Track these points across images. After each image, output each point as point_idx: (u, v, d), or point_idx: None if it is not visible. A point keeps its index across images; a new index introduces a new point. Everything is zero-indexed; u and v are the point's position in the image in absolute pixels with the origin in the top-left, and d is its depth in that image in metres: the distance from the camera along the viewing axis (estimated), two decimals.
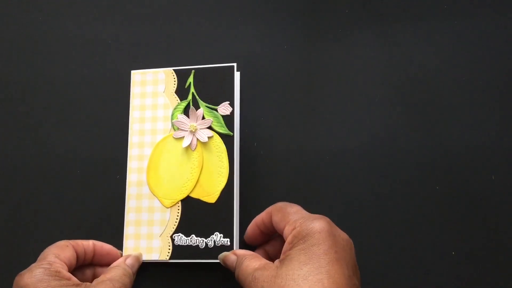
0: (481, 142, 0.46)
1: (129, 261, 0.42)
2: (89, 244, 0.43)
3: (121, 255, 0.44)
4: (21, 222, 0.48)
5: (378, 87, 0.49)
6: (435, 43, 0.49)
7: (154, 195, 0.46)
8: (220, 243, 0.43)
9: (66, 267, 0.39)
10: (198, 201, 0.45)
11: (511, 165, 0.45)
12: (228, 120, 0.46)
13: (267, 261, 0.37)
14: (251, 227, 0.43)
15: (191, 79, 0.47)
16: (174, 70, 0.48)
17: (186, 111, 0.47)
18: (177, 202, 0.45)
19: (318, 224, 0.35)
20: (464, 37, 0.49)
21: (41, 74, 0.52)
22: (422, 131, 0.47)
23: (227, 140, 0.45)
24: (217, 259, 0.42)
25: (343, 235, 0.36)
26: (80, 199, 0.48)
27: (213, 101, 0.46)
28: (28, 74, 0.52)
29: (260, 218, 0.42)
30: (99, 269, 0.44)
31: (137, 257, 0.43)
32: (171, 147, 0.46)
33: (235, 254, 0.40)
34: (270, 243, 0.44)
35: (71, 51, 0.52)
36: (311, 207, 0.40)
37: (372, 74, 0.49)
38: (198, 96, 0.47)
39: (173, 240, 0.44)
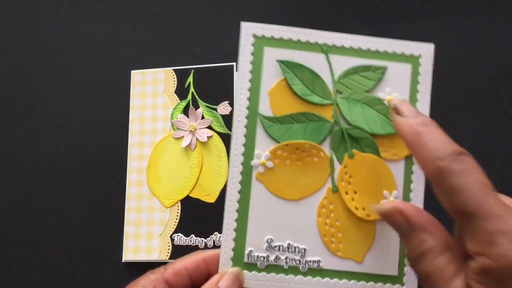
0: (481, 142, 0.46)
1: (223, 283, 0.31)
2: (180, 271, 0.32)
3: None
4: (21, 222, 0.48)
5: None
6: (435, 43, 0.49)
7: (154, 195, 0.46)
8: (220, 243, 0.43)
9: None
10: (197, 201, 0.45)
11: (511, 165, 0.45)
12: (227, 119, 0.46)
13: None
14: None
15: (190, 79, 0.47)
16: (173, 70, 0.48)
17: (185, 111, 0.47)
18: (177, 202, 0.45)
19: None
20: (464, 37, 0.49)
21: (41, 74, 0.52)
22: None
23: (227, 139, 0.45)
24: None
25: None
26: (80, 199, 0.48)
27: (213, 100, 0.46)
28: (28, 74, 0.52)
29: None
30: None
31: (235, 276, 0.31)
32: (170, 147, 0.46)
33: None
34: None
35: (71, 51, 0.52)
36: None
37: None
38: (198, 96, 0.47)
39: (172, 240, 0.44)
